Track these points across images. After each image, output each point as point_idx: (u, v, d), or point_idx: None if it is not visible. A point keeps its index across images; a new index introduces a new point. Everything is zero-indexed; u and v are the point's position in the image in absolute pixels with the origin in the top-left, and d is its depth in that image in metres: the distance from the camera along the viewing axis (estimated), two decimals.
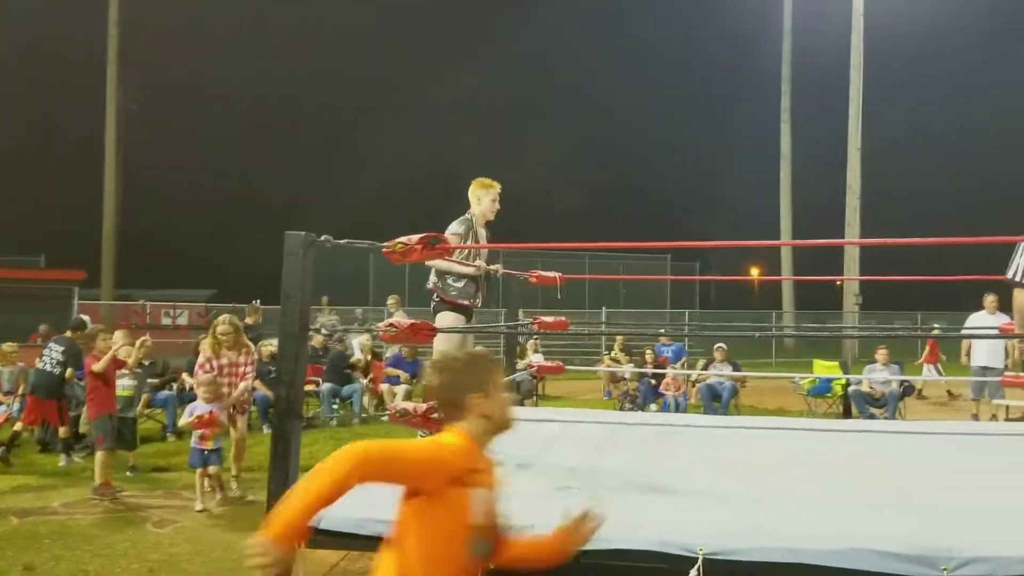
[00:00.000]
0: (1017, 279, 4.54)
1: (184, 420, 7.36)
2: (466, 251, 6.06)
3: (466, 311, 6.13)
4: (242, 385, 7.60)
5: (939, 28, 39.77)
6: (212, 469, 7.01)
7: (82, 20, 30.01)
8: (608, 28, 52.96)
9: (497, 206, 6.32)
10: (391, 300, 14.97)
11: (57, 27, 35.33)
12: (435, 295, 6.12)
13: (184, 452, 8.77)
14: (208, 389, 7.29)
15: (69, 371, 8.81)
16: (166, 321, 24.46)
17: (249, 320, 13.00)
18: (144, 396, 10.02)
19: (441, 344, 6.05)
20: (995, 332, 10.17)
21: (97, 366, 7.34)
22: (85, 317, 11.15)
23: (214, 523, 6.42)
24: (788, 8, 30.16)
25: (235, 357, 7.56)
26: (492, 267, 6.55)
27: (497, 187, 6.30)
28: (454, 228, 6.04)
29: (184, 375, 10.80)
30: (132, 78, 29.31)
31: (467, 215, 6.20)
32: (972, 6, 39.25)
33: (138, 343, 7.74)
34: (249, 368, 7.63)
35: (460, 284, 6.05)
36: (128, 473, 8.04)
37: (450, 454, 2.60)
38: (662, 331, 16.19)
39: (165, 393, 10.34)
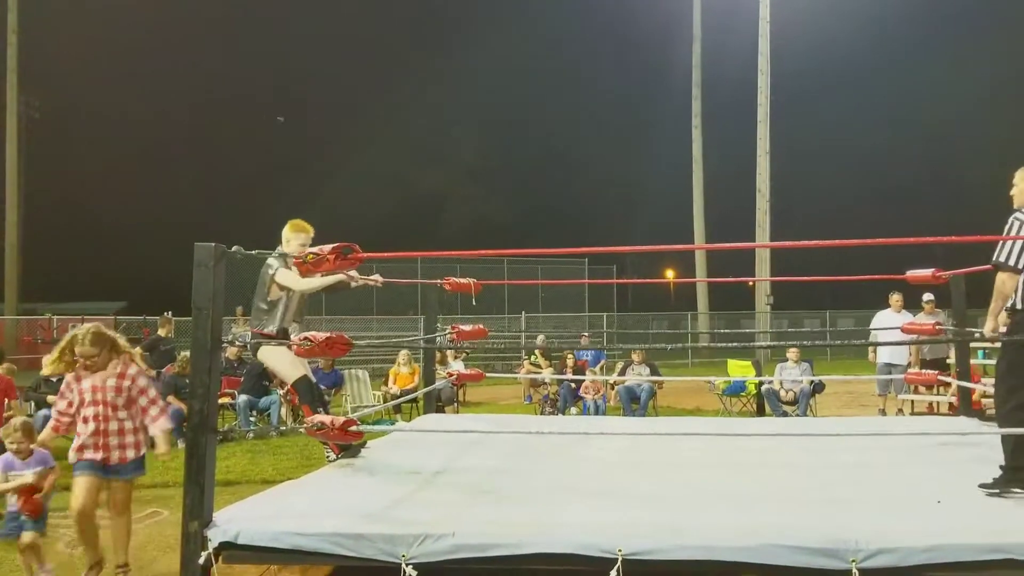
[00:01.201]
0: (1013, 264, 4.46)
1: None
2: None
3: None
4: (158, 423, 5.02)
5: (844, 34, 41.28)
6: (27, 537, 4.81)
7: None
8: (524, 36, 53.30)
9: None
10: (239, 310, 14.99)
11: None
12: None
13: None
14: (17, 436, 4.96)
15: None
16: None
17: (161, 332, 12.65)
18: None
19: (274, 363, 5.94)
20: (898, 331, 10.57)
21: None
22: None
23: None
24: (697, 15, 30.78)
25: (102, 381, 4.88)
26: (372, 278, 6.39)
27: (309, 233, 5.79)
28: (272, 263, 5.57)
29: None
30: (35, 87, 28.42)
31: (278, 251, 5.66)
32: (874, 14, 40.77)
33: None
34: (146, 399, 5.01)
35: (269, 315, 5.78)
36: None
37: None
38: (586, 334, 16.33)
39: None
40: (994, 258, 4.57)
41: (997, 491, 4.39)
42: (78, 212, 41.07)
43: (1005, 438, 4.49)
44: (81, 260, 39.33)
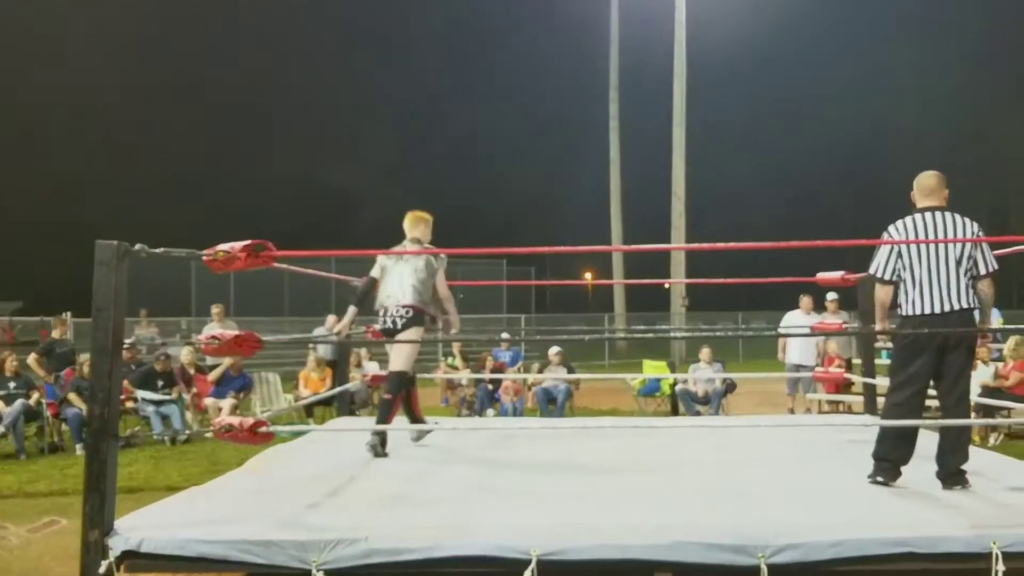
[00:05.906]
0: (879, 275, 4.76)
1: None
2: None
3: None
4: None
5: (759, 38, 42.36)
6: None
7: None
8: (442, 35, 53.18)
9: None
10: (143, 312, 14.99)
11: None
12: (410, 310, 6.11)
13: None
14: None
15: None
16: None
17: (55, 334, 12.14)
18: None
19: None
20: (807, 330, 10.89)
21: None
22: None
23: (24, 552, 5.95)
24: (615, 17, 31.15)
25: None
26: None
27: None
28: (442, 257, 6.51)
29: None
30: None
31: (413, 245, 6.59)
32: (790, 19, 41.88)
33: None
34: None
35: None
36: None
37: None
38: (505, 335, 16.32)
39: None
40: (870, 270, 4.83)
41: (873, 480, 4.69)
42: None
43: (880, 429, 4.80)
44: None
